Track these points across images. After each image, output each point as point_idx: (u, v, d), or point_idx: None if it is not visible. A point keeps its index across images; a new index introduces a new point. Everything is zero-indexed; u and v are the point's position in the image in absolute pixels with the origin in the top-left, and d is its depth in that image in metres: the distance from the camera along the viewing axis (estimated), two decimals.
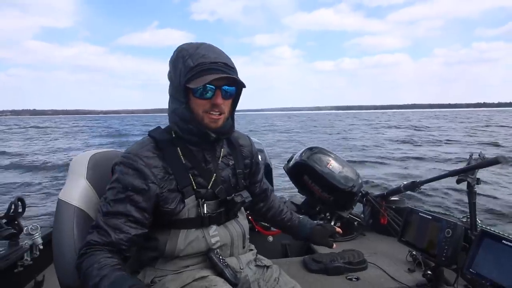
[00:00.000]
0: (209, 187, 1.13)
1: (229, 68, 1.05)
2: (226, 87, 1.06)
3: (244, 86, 1.10)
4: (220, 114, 1.08)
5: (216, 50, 1.07)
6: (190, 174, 1.11)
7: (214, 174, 1.15)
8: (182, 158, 1.11)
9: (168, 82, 1.13)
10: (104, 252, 0.99)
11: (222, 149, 1.21)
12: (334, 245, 1.42)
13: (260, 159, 1.39)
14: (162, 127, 1.18)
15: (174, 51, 1.10)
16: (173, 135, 1.13)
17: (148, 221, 1.06)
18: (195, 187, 1.11)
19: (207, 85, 1.02)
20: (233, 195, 1.17)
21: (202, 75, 1.01)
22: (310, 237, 1.44)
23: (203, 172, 1.13)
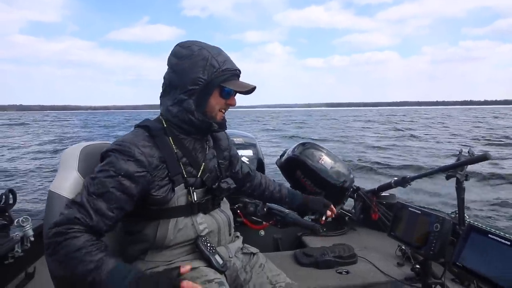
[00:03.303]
0: (198, 176, 1.18)
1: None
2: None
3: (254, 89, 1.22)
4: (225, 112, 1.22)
5: (227, 55, 1.18)
6: (180, 163, 1.14)
7: (203, 163, 1.20)
8: (174, 147, 1.14)
9: (159, 77, 1.19)
10: (88, 235, 0.95)
11: (208, 141, 1.28)
12: (329, 213, 1.52)
13: (235, 150, 1.48)
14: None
15: (189, 46, 1.14)
16: (164, 125, 1.16)
17: (130, 209, 1.05)
18: (185, 176, 1.14)
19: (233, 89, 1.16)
20: (219, 182, 1.22)
21: (234, 79, 1.17)
22: (305, 204, 1.55)
23: (193, 161, 1.18)
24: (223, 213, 1.26)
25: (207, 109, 1.16)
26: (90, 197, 0.99)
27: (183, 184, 1.13)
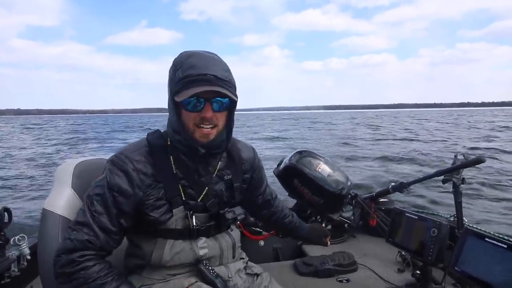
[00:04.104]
0: (199, 200, 1.11)
1: (219, 79, 1.00)
2: (219, 98, 1.02)
3: (236, 99, 1.04)
4: (212, 128, 1.04)
5: (209, 59, 1.02)
6: (180, 185, 1.08)
7: (206, 187, 1.12)
8: (174, 168, 1.08)
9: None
10: (101, 263, 0.97)
11: (220, 162, 1.17)
12: (329, 244, 1.59)
13: (265, 173, 1.37)
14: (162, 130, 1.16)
15: (175, 59, 1.07)
16: (169, 143, 1.10)
17: (127, 226, 1.04)
18: (183, 198, 1.08)
19: (196, 98, 0.99)
20: (225, 210, 1.15)
21: (189, 88, 0.97)
22: (307, 237, 1.56)
23: (194, 184, 1.11)
24: (229, 236, 1.19)
25: (185, 128, 1.05)
26: (93, 215, 0.98)
27: (182, 207, 1.08)
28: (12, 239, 1.72)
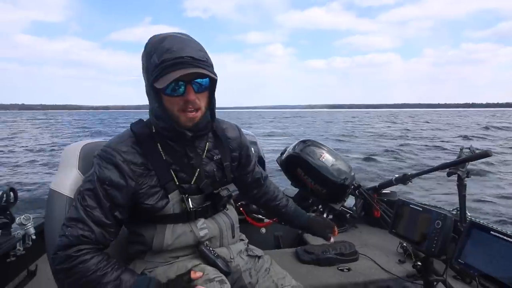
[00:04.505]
0: (192, 182, 1.11)
1: (196, 60, 0.98)
2: (198, 80, 1.00)
3: (216, 79, 1.03)
4: (196, 111, 1.03)
5: (182, 40, 1.00)
6: (171, 170, 1.08)
7: (198, 169, 1.13)
8: (163, 154, 1.08)
9: None
10: (98, 255, 0.96)
11: (207, 143, 1.18)
12: (332, 239, 1.44)
13: (252, 151, 1.37)
14: (145, 119, 1.15)
15: (146, 44, 1.03)
16: (153, 130, 1.10)
17: (123, 217, 1.03)
18: (177, 182, 1.09)
19: (177, 82, 0.97)
20: (219, 189, 1.16)
21: (167, 72, 0.95)
22: (307, 227, 1.45)
23: (185, 167, 1.11)
24: (227, 216, 1.20)
25: (169, 114, 1.03)
26: (86, 210, 0.97)
27: (177, 191, 1.09)
28: (17, 219, 1.74)
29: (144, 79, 1.05)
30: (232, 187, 1.21)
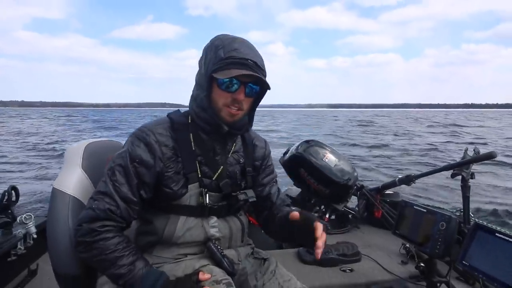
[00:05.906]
0: (214, 178, 1.13)
1: (258, 67, 1.05)
2: (251, 85, 1.06)
3: (269, 88, 1.10)
4: (238, 110, 1.08)
5: (251, 46, 1.08)
6: (197, 161, 1.11)
7: (221, 167, 1.15)
8: (193, 144, 1.11)
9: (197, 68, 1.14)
10: (120, 236, 1.01)
11: (235, 144, 1.20)
12: (319, 256, 1.05)
13: (272, 168, 1.33)
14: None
15: (210, 40, 1.10)
16: (189, 121, 1.14)
17: (147, 197, 1.07)
18: (199, 175, 1.11)
19: (233, 79, 1.03)
20: (238, 192, 1.17)
21: (230, 68, 1.02)
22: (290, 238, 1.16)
23: (210, 162, 1.13)
24: (239, 220, 1.21)
25: (213, 105, 1.08)
26: (115, 185, 1.02)
27: (197, 183, 1.11)
28: (19, 218, 1.74)
29: (201, 68, 1.10)
30: (250, 193, 1.20)
